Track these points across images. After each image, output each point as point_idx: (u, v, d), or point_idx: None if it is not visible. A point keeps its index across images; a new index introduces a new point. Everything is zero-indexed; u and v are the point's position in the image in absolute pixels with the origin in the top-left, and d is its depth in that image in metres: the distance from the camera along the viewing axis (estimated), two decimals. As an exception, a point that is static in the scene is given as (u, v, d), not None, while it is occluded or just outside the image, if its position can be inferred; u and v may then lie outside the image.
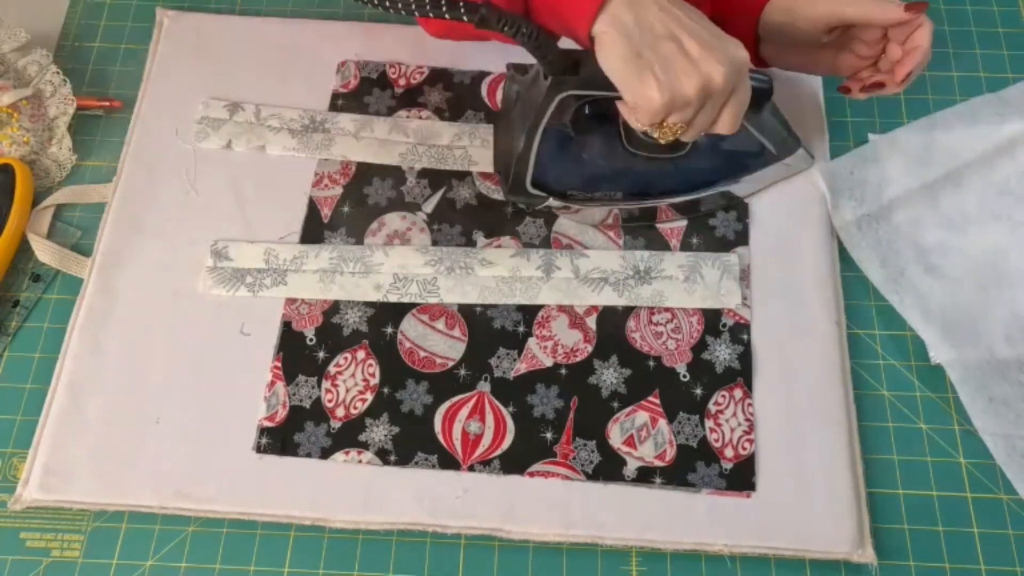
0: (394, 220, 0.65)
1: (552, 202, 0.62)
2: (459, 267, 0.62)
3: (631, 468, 0.57)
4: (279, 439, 0.58)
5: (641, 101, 0.49)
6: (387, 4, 0.50)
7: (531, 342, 0.61)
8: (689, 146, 0.62)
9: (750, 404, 0.59)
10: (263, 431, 0.58)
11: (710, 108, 0.50)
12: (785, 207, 0.65)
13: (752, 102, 0.53)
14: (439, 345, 0.61)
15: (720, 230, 0.64)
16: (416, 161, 0.67)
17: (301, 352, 0.60)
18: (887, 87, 0.59)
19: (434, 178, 0.67)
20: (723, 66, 0.48)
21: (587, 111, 0.60)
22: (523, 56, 0.54)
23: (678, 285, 0.62)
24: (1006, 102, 0.69)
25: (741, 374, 0.60)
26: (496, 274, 0.62)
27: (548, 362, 0.60)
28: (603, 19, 0.48)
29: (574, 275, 0.62)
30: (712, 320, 0.61)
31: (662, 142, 0.53)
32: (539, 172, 0.60)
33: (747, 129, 0.59)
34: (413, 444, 0.58)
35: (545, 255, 0.63)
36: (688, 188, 0.63)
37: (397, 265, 0.63)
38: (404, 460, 0.57)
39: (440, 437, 0.58)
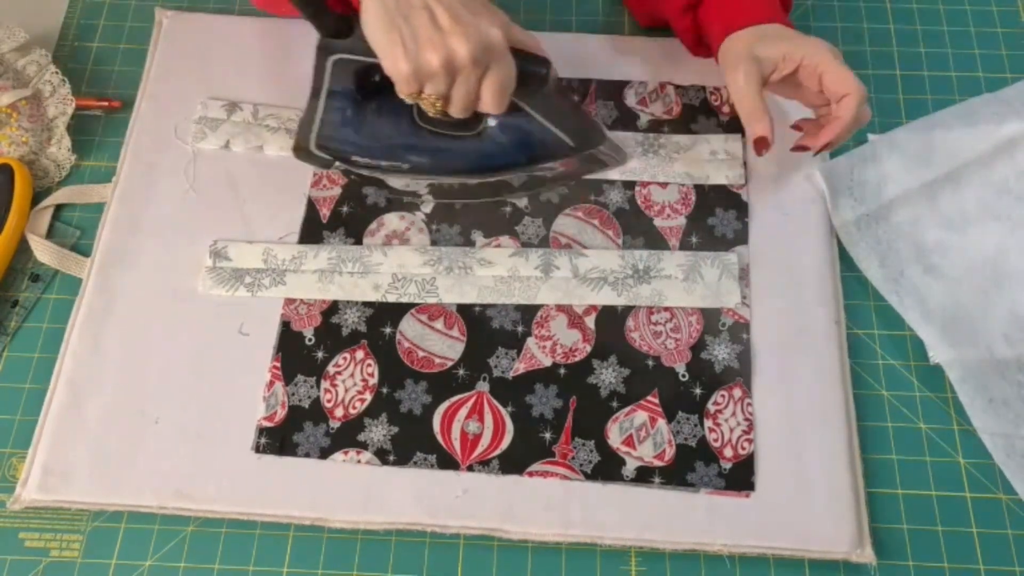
0: (393, 220, 0.65)
1: (338, 165, 0.63)
2: (458, 267, 0.62)
3: (630, 468, 0.57)
4: (278, 439, 0.58)
5: (392, 70, 0.50)
6: None
7: (530, 342, 0.61)
8: (481, 126, 0.61)
9: (749, 404, 0.59)
10: (262, 431, 0.58)
11: (463, 83, 0.51)
12: (784, 206, 0.65)
13: (526, 85, 0.53)
14: (438, 345, 0.61)
15: (719, 229, 0.64)
16: (414, 160, 0.67)
17: (300, 352, 0.60)
18: (811, 150, 0.60)
19: (433, 178, 0.67)
20: (468, 42, 0.49)
21: (377, 79, 0.59)
22: None
23: (677, 284, 0.62)
24: (1005, 102, 0.69)
25: (740, 373, 0.60)
26: (495, 274, 0.62)
27: (547, 362, 0.60)
28: None
29: (573, 274, 0.62)
30: (711, 319, 0.61)
31: (430, 114, 0.54)
32: (327, 135, 0.61)
33: (529, 114, 0.59)
34: (412, 444, 0.58)
35: (544, 255, 0.63)
36: (481, 169, 0.63)
37: (396, 265, 0.62)
38: (403, 460, 0.57)
39: (439, 437, 0.58)
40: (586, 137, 0.63)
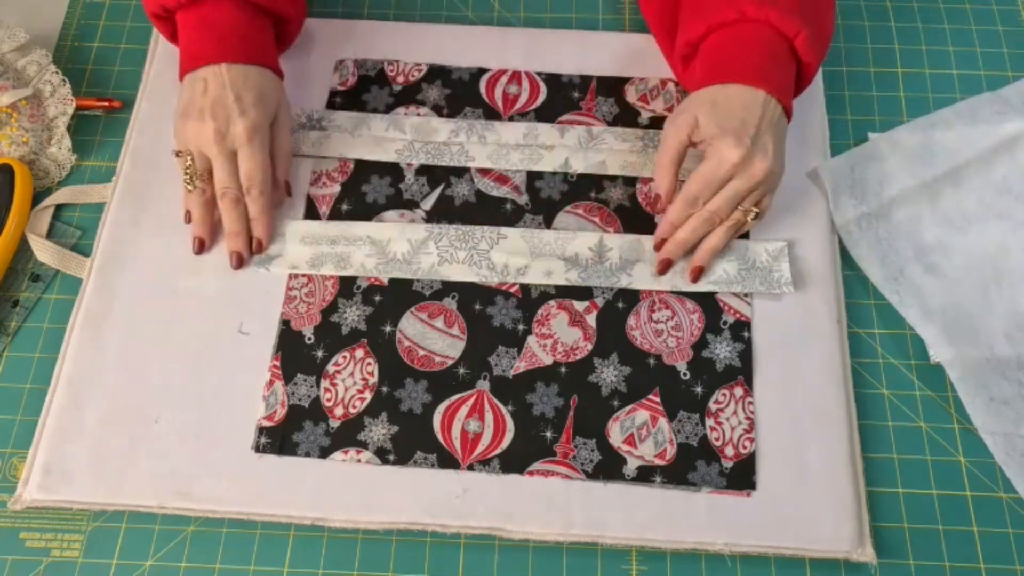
0: (392, 218, 0.65)
1: None
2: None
3: (631, 467, 0.57)
4: (278, 438, 0.58)
5: None
6: None
7: (531, 340, 0.61)
8: None
9: (750, 402, 0.59)
10: (262, 431, 0.58)
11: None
12: (785, 205, 0.65)
13: None
14: (438, 343, 0.61)
15: (720, 228, 0.64)
16: (413, 157, 0.67)
17: (300, 351, 0.60)
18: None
19: (432, 175, 0.67)
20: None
21: None
22: None
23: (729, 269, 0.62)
24: (1006, 101, 0.69)
25: (742, 372, 0.59)
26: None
27: (548, 360, 0.60)
28: None
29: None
30: (713, 318, 0.61)
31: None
32: None
33: None
34: (412, 443, 0.57)
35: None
36: None
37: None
38: (403, 459, 0.57)
39: (439, 436, 0.58)
40: None
